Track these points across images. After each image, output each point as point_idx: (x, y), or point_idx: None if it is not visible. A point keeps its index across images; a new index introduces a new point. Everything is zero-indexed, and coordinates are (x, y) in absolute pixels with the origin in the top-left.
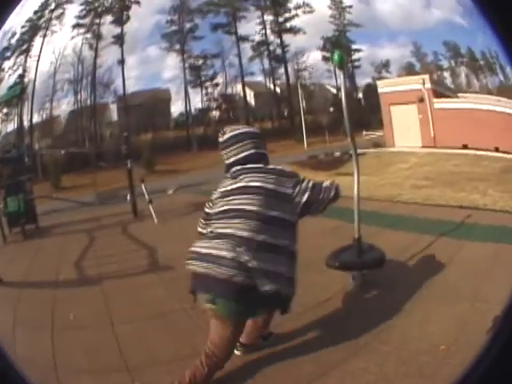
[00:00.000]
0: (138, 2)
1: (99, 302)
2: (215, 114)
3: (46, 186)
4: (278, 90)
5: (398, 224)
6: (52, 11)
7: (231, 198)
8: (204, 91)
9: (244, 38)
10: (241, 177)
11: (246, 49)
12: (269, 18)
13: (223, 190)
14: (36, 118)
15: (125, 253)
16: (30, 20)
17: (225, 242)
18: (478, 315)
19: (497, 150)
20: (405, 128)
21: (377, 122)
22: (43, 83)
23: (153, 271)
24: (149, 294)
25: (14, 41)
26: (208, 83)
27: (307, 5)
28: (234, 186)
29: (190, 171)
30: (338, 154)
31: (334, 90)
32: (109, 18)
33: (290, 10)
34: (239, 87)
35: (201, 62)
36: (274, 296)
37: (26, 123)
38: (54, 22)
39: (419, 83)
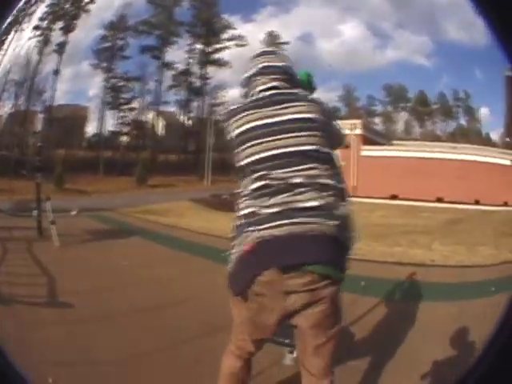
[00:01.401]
0: (89, 11)
1: (11, 327)
2: (125, 139)
3: None
4: (189, 123)
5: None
6: (31, 6)
7: (280, 136)
8: (119, 114)
9: (168, 65)
10: (282, 105)
11: (168, 76)
12: (199, 47)
13: (261, 123)
14: None
15: (29, 276)
16: (18, 10)
17: (301, 191)
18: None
19: (440, 200)
20: None
21: None
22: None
23: (53, 305)
24: (49, 335)
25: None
26: (125, 106)
27: (241, 37)
28: (278, 120)
29: (95, 194)
30: None
31: None
32: (61, 24)
33: (222, 41)
34: (153, 115)
35: (122, 83)
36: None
37: None
38: (26, 18)
39: (348, 128)
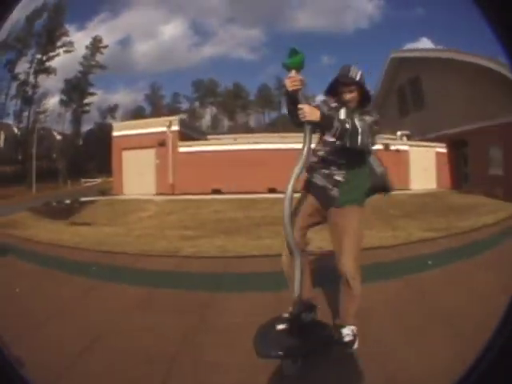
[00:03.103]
0: None
1: None
2: None
3: None
4: (18, 133)
5: (236, 284)
6: None
7: None
8: None
9: (15, 77)
10: None
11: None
12: (39, 56)
13: None
14: None
15: None
16: None
17: None
18: None
19: (272, 191)
20: (137, 174)
21: (95, 169)
22: None
23: None
24: None
25: None
26: None
27: (71, 43)
28: None
29: None
30: (68, 201)
31: (59, 137)
32: None
33: (56, 49)
34: None
35: None
36: None
37: None
38: None
39: (165, 125)
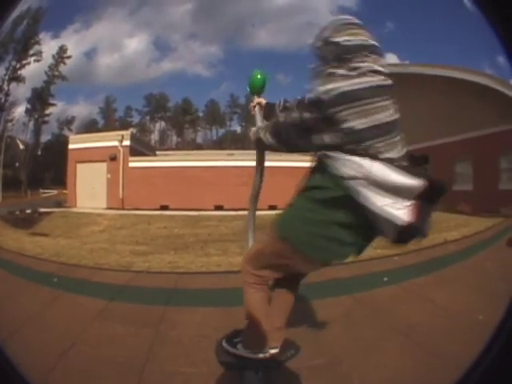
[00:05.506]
0: None
1: None
2: None
3: None
4: None
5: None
6: None
7: None
8: None
9: None
10: None
11: None
12: (14, 63)
13: None
14: None
15: None
16: None
17: None
18: None
19: (219, 208)
20: (90, 187)
21: (52, 180)
22: None
23: None
24: None
25: None
26: None
27: (40, 53)
28: None
29: None
30: (28, 211)
31: (22, 146)
32: None
33: (28, 57)
34: None
35: None
36: None
37: None
38: None
39: (117, 140)
